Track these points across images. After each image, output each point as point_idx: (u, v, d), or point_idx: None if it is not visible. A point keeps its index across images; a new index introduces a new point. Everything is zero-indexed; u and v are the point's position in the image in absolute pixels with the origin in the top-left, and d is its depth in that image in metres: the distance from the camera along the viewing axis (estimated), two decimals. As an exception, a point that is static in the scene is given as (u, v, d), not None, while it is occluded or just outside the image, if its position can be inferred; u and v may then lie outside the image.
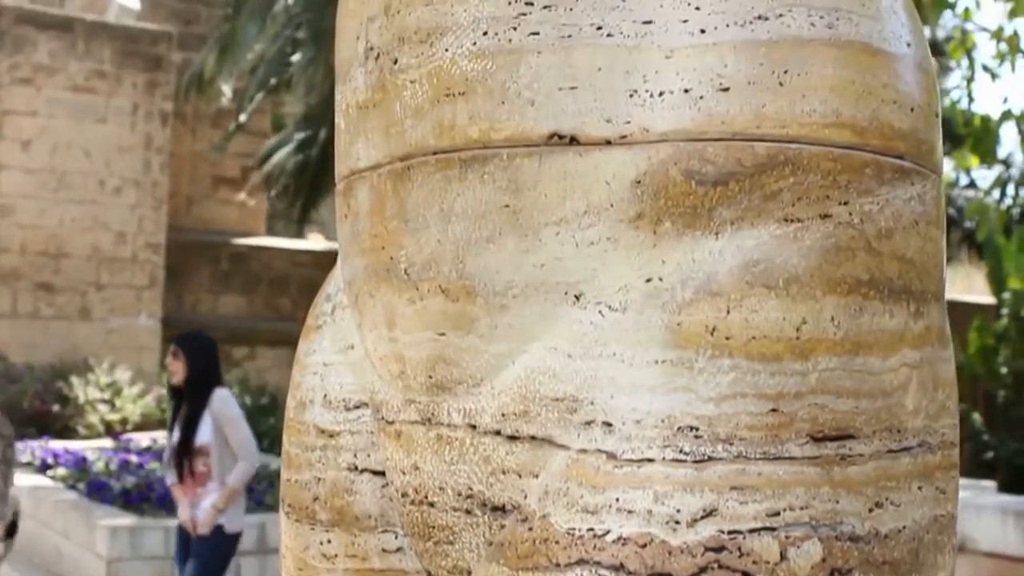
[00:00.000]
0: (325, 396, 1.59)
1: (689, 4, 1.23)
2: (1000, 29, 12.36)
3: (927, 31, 12.37)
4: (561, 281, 1.25)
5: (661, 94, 1.22)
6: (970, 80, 13.81)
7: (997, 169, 18.19)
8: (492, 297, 1.28)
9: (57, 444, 11.59)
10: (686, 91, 1.21)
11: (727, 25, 1.22)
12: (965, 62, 13.96)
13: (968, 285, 20.56)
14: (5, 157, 14.20)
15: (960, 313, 16.88)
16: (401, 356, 1.39)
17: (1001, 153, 13.58)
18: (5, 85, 14.34)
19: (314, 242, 15.84)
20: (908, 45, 1.30)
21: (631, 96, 1.22)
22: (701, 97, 1.21)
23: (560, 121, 1.23)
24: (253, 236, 15.79)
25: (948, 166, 16.54)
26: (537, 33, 1.25)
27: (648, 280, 1.20)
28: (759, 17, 1.22)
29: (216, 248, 15.32)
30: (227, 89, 13.36)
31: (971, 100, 13.72)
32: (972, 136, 13.61)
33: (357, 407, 1.54)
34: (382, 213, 1.37)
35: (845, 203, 1.22)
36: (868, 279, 1.22)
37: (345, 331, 1.56)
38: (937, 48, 15.05)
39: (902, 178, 1.26)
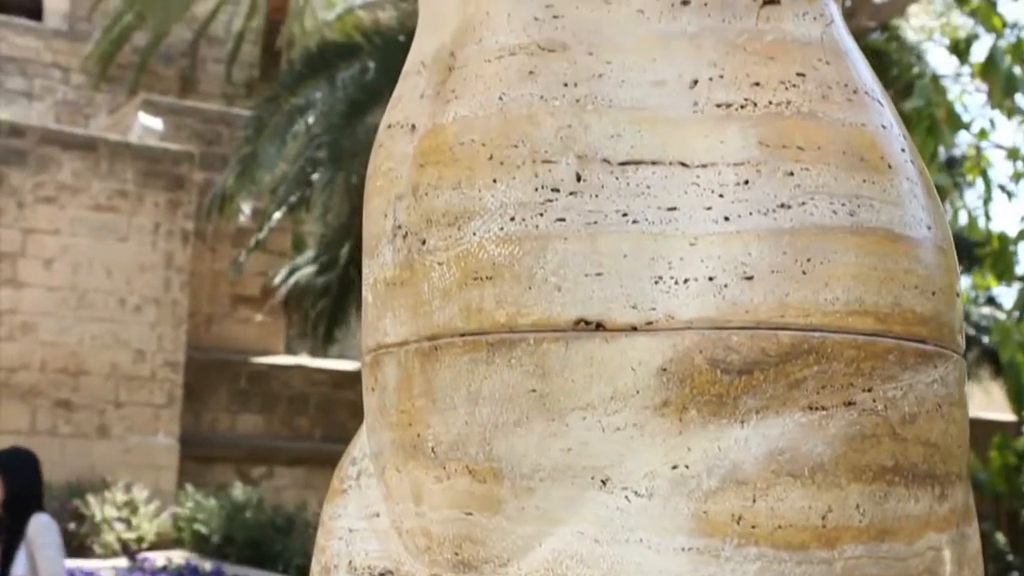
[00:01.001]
0: (350, 562, 1.59)
1: (713, 191, 1.25)
2: (1016, 149, 12.42)
3: (942, 151, 12.44)
4: (588, 465, 1.25)
5: (686, 281, 1.24)
6: (987, 200, 13.85)
7: (1016, 286, 18.17)
8: (519, 480, 1.28)
9: (72, 563, 11.52)
10: (711, 279, 1.23)
11: (750, 213, 1.24)
12: (981, 182, 14.02)
13: (988, 402, 20.43)
14: (28, 275, 14.29)
15: (980, 431, 16.75)
16: (428, 531, 1.39)
17: (1020, 271, 13.54)
18: (29, 204, 14.48)
19: (332, 361, 15.86)
20: (928, 228, 1.32)
21: (656, 282, 1.24)
22: (726, 285, 1.23)
23: (586, 307, 1.25)
24: (272, 355, 15.83)
25: (966, 284, 16.55)
26: (563, 219, 1.27)
27: (674, 467, 1.21)
28: (782, 205, 1.25)
29: (235, 366, 15.34)
30: (247, 208, 13.49)
31: (988, 219, 13.76)
32: (990, 255, 13.63)
33: (383, 575, 1.54)
34: (409, 390, 1.38)
35: (869, 390, 1.23)
36: (893, 465, 1.23)
37: (371, 498, 1.57)
38: (953, 166, 15.13)
39: (925, 362, 1.28)
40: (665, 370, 1.22)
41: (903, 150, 1.34)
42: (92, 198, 14.75)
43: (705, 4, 1.33)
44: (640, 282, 1.24)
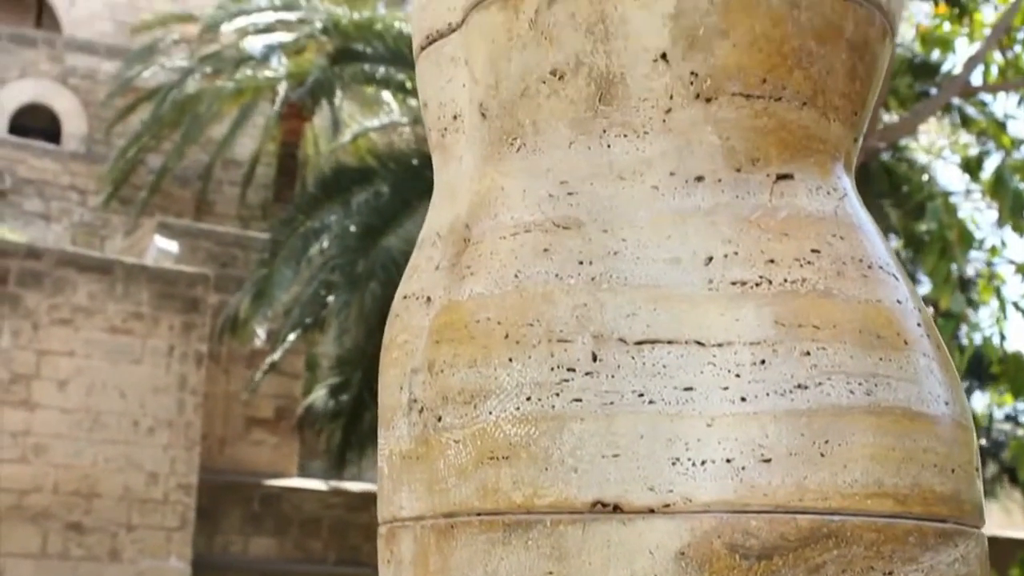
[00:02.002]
0: None
1: (729, 371, 1.25)
2: (1025, 266, 12.41)
3: (954, 267, 12.43)
4: None
5: (703, 463, 1.23)
6: (1001, 318, 13.82)
7: (1032, 403, 18.05)
8: (538, 662, 1.27)
9: None
10: (728, 461, 1.23)
11: (767, 394, 1.24)
12: (995, 300, 13.99)
13: (1007, 520, 20.23)
14: (41, 397, 14.30)
15: (1000, 549, 16.55)
16: None
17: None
18: (44, 326, 14.53)
19: (346, 483, 15.77)
20: (946, 404, 1.32)
21: (673, 464, 1.24)
22: (743, 468, 1.22)
23: (603, 489, 1.24)
24: (285, 477, 15.75)
25: (983, 402, 16.47)
26: (580, 400, 1.27)
27: (694, 652, 1.20)
28: (799, 386, 1.24)
29: (248, 489, 15.25)
30: (261, 331, 13.51)
31: (1003, 338, 13.70)
32: (1006, 374, 13.56)
33: None
34: (425, 566, 1.37)
35: (889, 573, 1.22)
36: (915, 650, 1.21)
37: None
38: (965, 285, 15.11)
39: (945, 541, 1.27)
40: (683, 554, 1.21)
41: (919, 324, 1.34)
42: (107, 320, 14.80)
43: (719, 180, 1.34)
44: (657, 464, 1.24)
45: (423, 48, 1.56)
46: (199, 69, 18.90)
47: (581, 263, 1.32)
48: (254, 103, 18.92)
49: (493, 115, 1.42)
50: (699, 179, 1.34)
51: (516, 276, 1.33)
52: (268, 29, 17.03)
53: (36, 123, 22.80)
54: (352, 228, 11.50)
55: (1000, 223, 12.97)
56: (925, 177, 14.68)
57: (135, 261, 15.43)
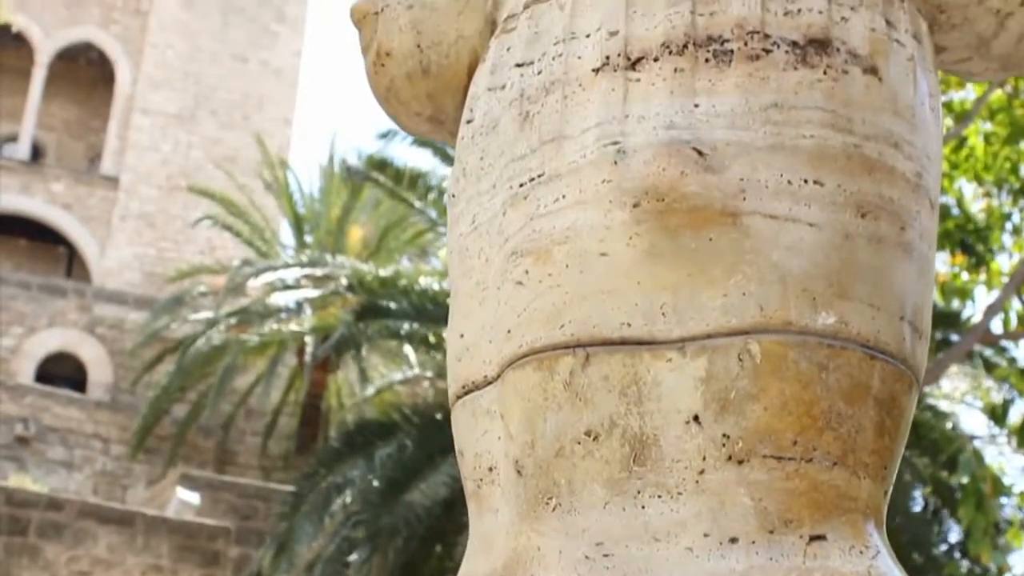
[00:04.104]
0: None
1: None
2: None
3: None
4: None
5: None
6: (1033, 566, 13.59)
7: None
8: None
9: None
10: None
11: None
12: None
13: None
14: (57, 650, 14.08)
15: None
16: None
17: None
18: (62, 578, 14.40)
19: None
20: None
21: None
22: None
23: None
24: None
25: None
26: None
27: None
28: None
29: None
30: (283, 586, 13.35)
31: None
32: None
33: None
34: None
35: None
36: None
37: None
38: (997, 531, 14.89)
39: None
40: None
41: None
42: (126, 573, 14.69)
43: (753, 542, 1.35)
44: None
45: (459, 397, 1.60)
46: (225, 322, 19.11)
47: (621, 629, 1.33)
48: (279, 355, 19.07)
49: (529, 473, 1.45)
50: (733, 540, 1.35)
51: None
52: (294, 285, 17.31)
53: (63, 371, 23.04)
54: (375, 483, 11.46)
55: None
56: (950, 425, 14.62)
57: (156, 513, 15.36)
